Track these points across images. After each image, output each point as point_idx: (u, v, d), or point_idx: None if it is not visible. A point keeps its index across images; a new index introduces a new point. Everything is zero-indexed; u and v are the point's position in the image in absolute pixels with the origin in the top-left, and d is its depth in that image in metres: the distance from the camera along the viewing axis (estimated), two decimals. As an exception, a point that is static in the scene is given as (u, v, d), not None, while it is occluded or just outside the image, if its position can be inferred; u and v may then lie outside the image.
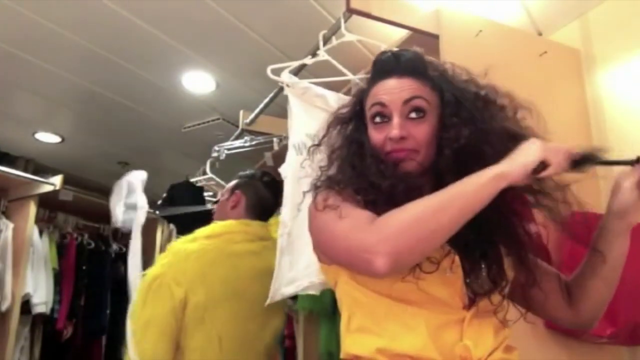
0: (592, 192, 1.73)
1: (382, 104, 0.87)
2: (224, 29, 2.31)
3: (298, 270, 1.50)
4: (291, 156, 1.60)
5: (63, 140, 3.71)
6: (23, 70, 2.73)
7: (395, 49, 0.94)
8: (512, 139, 0.84)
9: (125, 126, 3.40)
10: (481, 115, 0.87)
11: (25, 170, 3.54)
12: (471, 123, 0.85)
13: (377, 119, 0.88)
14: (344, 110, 0.98)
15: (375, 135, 0.88)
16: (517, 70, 1.69)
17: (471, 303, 0.81)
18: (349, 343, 0.84)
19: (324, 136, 0.96)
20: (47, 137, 3.67)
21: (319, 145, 0.97)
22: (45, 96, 3.05)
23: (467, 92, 0.90)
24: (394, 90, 0.87)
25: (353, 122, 0.95)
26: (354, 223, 0.78)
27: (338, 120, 0.97)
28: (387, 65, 0.91)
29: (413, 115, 0.86)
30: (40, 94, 3.01)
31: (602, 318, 1.39)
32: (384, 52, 0.95)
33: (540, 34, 2.03)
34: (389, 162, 0.85)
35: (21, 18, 2.25)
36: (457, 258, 0.82)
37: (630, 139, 1.73)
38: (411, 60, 0.90)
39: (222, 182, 2.75)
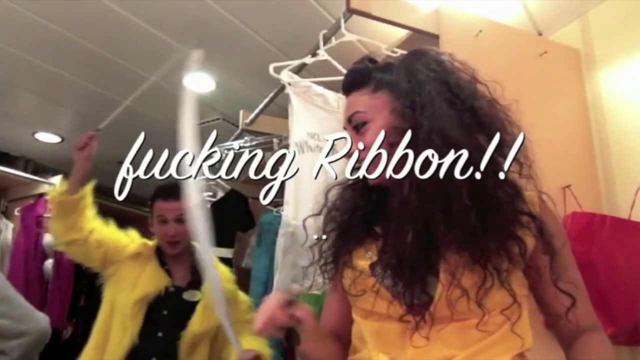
0: (592, 192, 1.73)
1: (345, 127, 0.95)
2: (224, 29, 2.31)
3: (300, 270, 1.50)
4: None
5: (63, 140, 3.71)
6: (23, 70, 2.73)
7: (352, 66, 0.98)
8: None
9: (125, 126, 3.40)
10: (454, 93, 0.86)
11: (25, 170, 3.54)
12: (439, 99, 0.84)
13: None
14: None
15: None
16: (517, 70, 1.70)
17: (416, 313, 0.79)
18: None
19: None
20: (47, 137, 3.67)
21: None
22: (45, 96, 3.05)
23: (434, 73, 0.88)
24: (345, 110, 0.94)
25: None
26: None
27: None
28: (343, 84, 0.97)
29: (358, 128, 0.90)
30: (40, 94, 3.02)
31: (602, 318, 1.40)
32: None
33: (540, 34, 2.03)
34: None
35: (21, 18, 2.25)
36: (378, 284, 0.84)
37: (630, 139, 1.73)
38: (353, 74, 0.95)
39: (222, 182, 2.76)
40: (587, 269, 1.40)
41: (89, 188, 1.74)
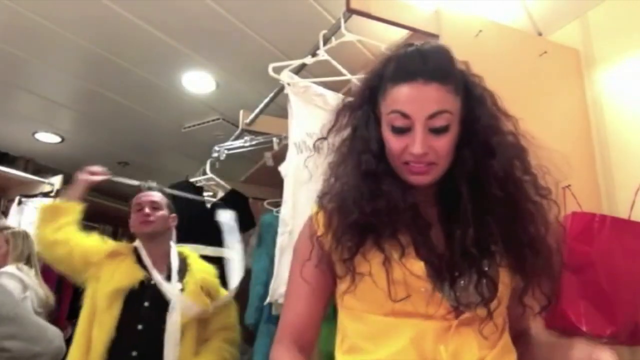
0: (592, 192, 1.73)
1: (403, 115, 0.80)
2: (224, 29, 2.31)
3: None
4: (291, 155, 1.61)
5: (63, 140, 3.71)
6: (23, 70, 2.73)
7: (420, 44, 0.84)
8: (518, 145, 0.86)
9: (125, 126, 3.40)
10: (497, 120, 0.86)
11: (25, 170, 3.54)
12: (489, 128, 0.84)
13: (396, 128, 0.82)
14: (354, 98, 0.93)
15: (393, 142, 0.82)
16: (517, 70, 1.70)
17: (458, 313, 0.79)
18: None
19: (332, 127, 0.92)
20: (47, 137, 3.67)
21: (325, 138, 0.92)
22: (45, 96, 3.05)
23: (483, 94, 0.88)
24: (418, 100, 0.79)
25: (362, 113, 0.89)
26: (281, 322, 0.91)
27: (348, 107, 0.92)
28: (411, 66, 0.81)
29: (435, 130, 0.80)
30: (40, 94, 3.02)
31: (602, 318, 1.40)
32: (408, 46, 0.85)
33: (540, 34, 2.03)
34: (400, 171, 0.84)
35: (21, 18, 2.25)
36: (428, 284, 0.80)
37: (630, 139, 1.73)
38: (439, 62, 0.82)
39: (222, 182, 2.75)
40: (587, 269, 1.40)
41: (80, 206, 1.87)
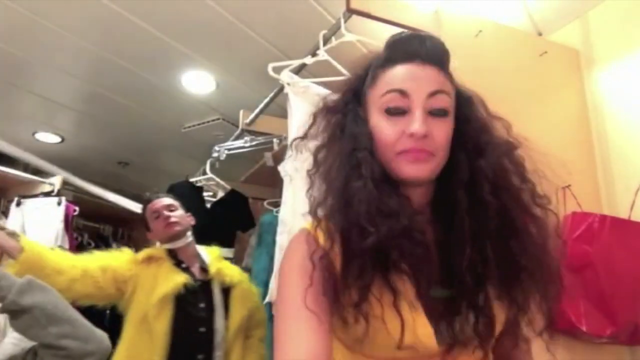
0: (592, 192, 1.73)
1: (402, 92, 0.72)
2: (224, 29, 2.31)
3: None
4: (292, 153, 1.61)
5: (63, 140, 3.71)
6: (23, 70, 2.73)
7: (419, 32, 0.80)
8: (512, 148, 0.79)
9: (125, 126, 3.40)
10: (488, 123, 0.80)
11: (25, 171, 3.54)
12: (483, 131, 0.79)
13: (392, 110, 0.73)
14: (336, 97, 0.83)
15: (386, 129, 0.73)
16: (517, 70, 1.70)
17: (453, 351, 0.72)
18: None
19: (310, 127, 0.82)
20: (47, 137, 3.67)
21: (303, 138, 0.83)
22: (45, 96, 3.05)
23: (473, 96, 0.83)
24: (418, 77, 0.73)
25: (348, 111, 0.80)
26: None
27: (328, 108, 0.82)
28: (409, 47, 0.75)
29: (435, 112, 0.73)
30: (40, 94, 3.02)
31: (602, 318, 1.40)
32: (401, 33, 0.80)
33: (540, 34, 2.03)
34: (394, 166, 0.73)
35: (21, 18, 2.25)
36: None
37: (630, 139, 1.73)
38: (438, 47, 0.76)
39: (222, 182, 2.76)
40: (587, 269, 1.41)
41: (24, 242, 1.52)
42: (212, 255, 1.91)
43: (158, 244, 1.89)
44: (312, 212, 0.77)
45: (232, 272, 1.90)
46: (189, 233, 1.89)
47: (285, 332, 0.69)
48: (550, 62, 1.81)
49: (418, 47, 0.75)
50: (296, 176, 1.56)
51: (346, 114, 0.79)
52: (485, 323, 0.72)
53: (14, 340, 1.35)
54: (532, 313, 0.75)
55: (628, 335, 1.42)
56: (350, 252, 0.70)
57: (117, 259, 1.73)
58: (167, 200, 1.90)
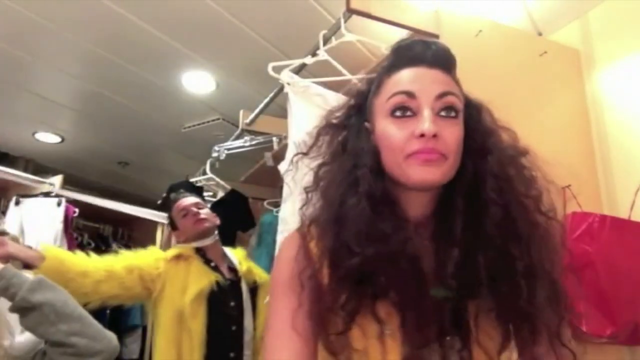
0: (592, 192, 1.73)
1: (409, 94, 0.70)
2: (224, 29, 2.31)
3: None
4: (292, 154, 1.60)
5: (63, 140, 3.71)
6: (23, 70, 2.73)
7: (424, 38, 0.79)
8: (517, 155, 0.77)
9: (125, 126, 3.40)
10: (495, 134, 0.78)
11: (25, 170, 3.54)
12: (489, 138, 0.76)
13: (399, 112, 0.71)
14: (340, 113, 0.81)
15: (395, 132, 0.70)
16: (517, 70, 1.70)
17: None
18: None
19: (312, 145, 0.80)
20: (47, 137, 3.67)
21: (305, 154, 0.81)
22: (45, 96, 3.05)
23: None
24: (425, 79, 0.71)
25: (351, 126, 0.78)
26: None
27: (331, 126, 0.80)
28: (414, 52, 0.74)
29: (444, 113, 0.70)
30: (40, 94, 3.02)
31: (602, 318, 1.40)
32: (406, 39, 0.79)
33: (540, 34, 2.03)
34: (402, 171, 0.70)
35: (21, 18, 2.25)
36: None
37: (630, 139, 1.73)
38: (444, 51, 0.75)
39: (222, 182, 2.76)
40: (587, 269, 1.41)
41: (46, 250, 1.51)
42: (238, 255, 1.93)
43: (174, 242, 1.90)
44: (305, 228, 0.76)
45: (260, 272, 1.92)
46: (216, 232, 1.90)
47: (272, 349, 0.70)
48: (550, 62, 1.81)
49: (423, 52, 0.73)
50: (298, 176, 1.55)
51: (349, 129, 0.78)
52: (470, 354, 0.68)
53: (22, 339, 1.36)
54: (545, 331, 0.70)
55: (628, 335, 1.42)
56: (337, 275, 0.69)
57: (143, 258, 1.72)
58: (194, 199, 1.92)
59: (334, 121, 0.80)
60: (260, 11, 2.20)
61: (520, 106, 1.61)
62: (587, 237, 1.45)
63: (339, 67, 1.80)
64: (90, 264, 1.59)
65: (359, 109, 0.79)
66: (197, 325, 1.62)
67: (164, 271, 1.71)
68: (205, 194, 2.75)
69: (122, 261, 1.66)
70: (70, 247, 3.18)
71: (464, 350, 0.69)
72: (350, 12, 1.61)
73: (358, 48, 2.13)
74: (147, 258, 1.73)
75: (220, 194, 2.76)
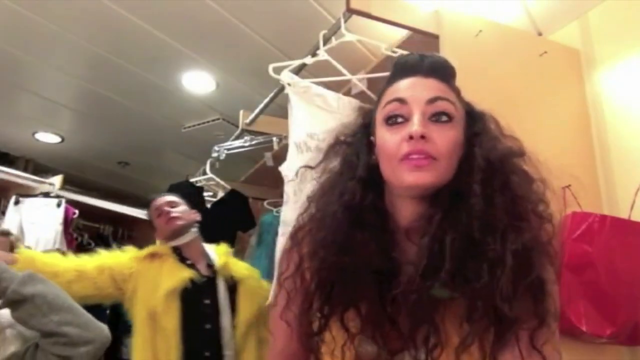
0: (592, 192, 1.73)
1: (400, 100, 0.74)
2: (224, 29, 2.31)
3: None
4: (292, 155, 1.61)
5: (63, 140, 3.71)
6: (23, 70, 2.73)
7: (423, 52, 0.83)
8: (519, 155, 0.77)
9: (125, 126, 3.40)
10: (499, 140, 0.79)
11: (25, 170, 3.54)
12: (493, 143, 0.77)
13: (391, 120, 0.74)
14: (348, 130, 0.85)
15: (388, 138, 0.74)
16: (517, 70, 1.70)
17: None
18: None
19: (320, 161, 0.85)
20: (47, 137, 3.67)
21: (312, 168, 0.86)
22: (45, 96, 3.05)
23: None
24: (416, 87, 0.75)
25: (355, 143, 0.83)
26: None
27: (339, 143, 0.85)
28: (409, 63, 0.79)
29: (435, 118, 0.73)
30: (40, 94, 3.02)
31: (602, 318, 1.40)
32: (404, 54, 0.85)
33: (540, 34, 2.03)
34: (397, 175, 0.72)
35: (21, 18, 2.26)
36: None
37: (630, 139, 1.73)
38: (439, 62, 0.79)
39: (222, 182, 2.76)
40: (587, 269, 1.41)
41: (19, 252, 1.57)
42: (219, 251, 1.89)
43: (158, 242, 1.89)
44: (292, 235, 0.83)
45: (239, 267, 1.88)
46: (194, 229, 1.87)
47: (273, 337, 0.84)
48: (550, 62, 1.81)
49: (419, 63, 0.78)
50: (298, 177, 1.56)
51: (355, 144, 0.82)
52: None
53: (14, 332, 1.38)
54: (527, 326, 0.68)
55: (628, 335, 1.42)
56: (313, 280, 0.75)
57: (116, 258, 1.72)
58: (169, 197, 1.90)
59: (342, 138, 0.85)
60: (260, 11, 2.20)
61: (520, 106, 1.61)
62: (587, 237, 1.45)
63: (339, 67, 1.79)
64: (62, 264, 1.59)
65: (365, 126, 0.84)
66: (171, 324, 1.60)
67: (136, 271, 1.69)
68: (205, 194, 2.76)
69: (95, 261, 1.65)
70: (70, 247, 3.19)
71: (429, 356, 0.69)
72: (350, 12, 1.61)
73: (358, 48, 2.13)
74: (121, 257, 1.72)
75: (220, 194, 2.76)
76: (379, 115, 0.78)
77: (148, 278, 1.68)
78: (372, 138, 0.80)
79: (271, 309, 0.86)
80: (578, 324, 1.38)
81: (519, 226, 0.70)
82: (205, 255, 1.84)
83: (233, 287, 1.78)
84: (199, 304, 1.69)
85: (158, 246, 1.82)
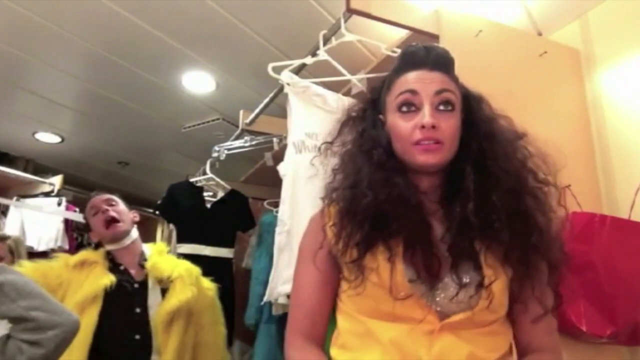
0: (592, 192, 1.73)
1: (412, 92, 0.88)
2: (224, 29, 2.31)
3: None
4: (290, 154, 1.61)
5: (63, 140, 3.71)
6: (23, 70, 2.73)
7: (426, 44, 0.95)
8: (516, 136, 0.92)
9: (125, 126, 3.40)
10: (495, 117, 0.94)
11: (25, 170, 3.55)
12: (490, 120, 0.92)
13: (405, 108, 0.89)
14: (358, 107, 1.00)
15: (402, 124, 0.88)
16: (517, 70, 1.70)
17: (444, 317, 0.81)
18: (333, 355, 0.90)
19: (337, 136, 0.98)
20: (47, 137, 3.67)
21: (331, 143, 0.99)
22: (45, 96, 3.05)
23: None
24: (425, 79, 0.88)
25: (367, 118, 0.97)
26: (291, 319, 0.92)
27: (351, 118, 0.99)
28: (417, 57, 0.91)
29: (442, 107, 0.87)
30: (40, 94, 3.02)
31: (602, 318, 1.40)
32: (412, 45, 0.95)
33: (540, 34, 2.03)
34: (410, 156, 0.87)
35: (21, 18, 2.26)
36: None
37: (630, 139, 1.73)
38: (442, 56, 0.92)
39: (222, 182, 2.76)
40: (587, 269, 1.40)
41: None
42: (154, 250, 1.78)
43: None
44: (327, 196, 0.94)
45: (173, 267, 1.72)
46: (134, 231, 1.78)
47: (296, 289, 0.94)
48: (550, 62, 1.81)
49: (425, 57, 0.90)
50: (296, 176, 1.56)
51: (366, 120, 0.96)
52: (476, 289, 0.81)
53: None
54: (541, 287, 0.86)
55: (628, 335, 1.42)
56: (352, 215, 0.86)
57: (48, 268, 1.61)
58: (107, 195, 1.79)
59: (354, 114, 0.99)
60: (260, 11, 2.20)
61: (520, 106, 1.60)
62: (587, 237, 1.45)
63: (339, 67, 1.79)
64: None
65: (373, 103, 0.98)
66: (82, 332, 1.37)
67: (65, 280, 1.59)
68: (205, 194, 2.75)
69: (30, 272, 1.51)
70: (71, 246, 3.19)
71: (477, 271, 0.82)
72: (350, 12, 1.61)
73: (358, 48, 2.13)
74: (53, 267, 1.62)
75: (220, 194, 2.76)
76: (391, 103, 0.91)
77: (75, 287, 1.58)
78: (380, 117, 0.95)
79: (296, 263, 0.96)
80: (578, 324, 1.38)
81: (527, 190, 0.87)
82: (142, 257, 1.74)
83: (166, 290, 1.66)
84: (129, 312, 1.58)
85: (90, 252, 1.71)
